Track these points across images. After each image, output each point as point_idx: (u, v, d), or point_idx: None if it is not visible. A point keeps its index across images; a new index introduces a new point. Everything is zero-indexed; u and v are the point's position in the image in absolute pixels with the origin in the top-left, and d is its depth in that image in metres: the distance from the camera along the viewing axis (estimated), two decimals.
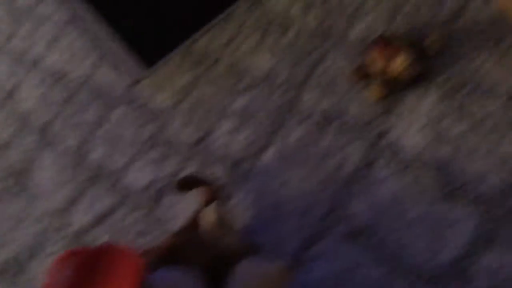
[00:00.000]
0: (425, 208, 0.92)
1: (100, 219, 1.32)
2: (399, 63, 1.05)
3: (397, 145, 1.02)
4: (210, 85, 1.40)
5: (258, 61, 1.35)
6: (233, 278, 0.86)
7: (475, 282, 0.82)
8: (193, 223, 1.08)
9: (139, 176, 1.31)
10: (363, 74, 1.12)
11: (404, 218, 0.93)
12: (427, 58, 1.07)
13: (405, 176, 0.97)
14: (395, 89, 1.08)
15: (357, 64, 1.14)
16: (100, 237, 1.30)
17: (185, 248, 0.92)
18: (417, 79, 1.05)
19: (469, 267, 0.83)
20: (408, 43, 1.09)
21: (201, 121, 1.34)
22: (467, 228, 0.87)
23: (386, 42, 1.09)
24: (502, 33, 1.03)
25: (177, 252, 0.91)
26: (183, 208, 1.20)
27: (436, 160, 0.96)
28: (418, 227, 0.91)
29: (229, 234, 1.02)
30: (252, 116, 1.26)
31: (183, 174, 1.27)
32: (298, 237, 1.01)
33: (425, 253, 0.88)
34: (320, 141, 1.11)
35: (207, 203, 1.08)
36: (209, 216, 1.01)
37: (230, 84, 1.36)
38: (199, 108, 1.37)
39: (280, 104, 1.23)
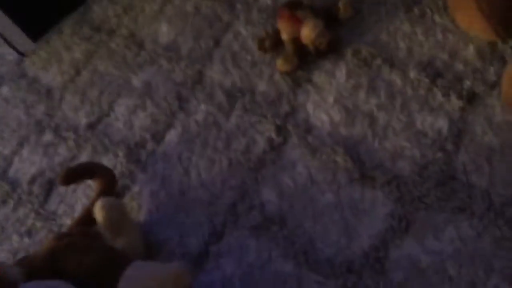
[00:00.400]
0: (338, 193, 0.84)
1: None
2: (308, 32, 0.95)
3: (307, 124, 0.93)
4: (106, 59, 1.25)
5: (159, 32, 1.22)
6: (121, 283, 0.75)
7: (391, 274, 0.76)
8: (85, 221, 0.96)
9: (26, 165, 1.16)
10: (271, 45, 1.02)
11: (316, 205, 0.85)
12: (337, 26, 0.98)
13: (317, 158, 0.89)
14: (305, 60, 0.98)
15: (263, 34, 1.03)
16: None
17: (67, 253, 0.79)
18: (327, 49, 0.96)
19: (384, 258, 0.76)
20: (317, 10, 0.99)
21: (97, 100, 1.19)
22: (381, 214, 0.80)
23: (293, 10, 0.99)
24: None
25: (57, 260, 0.79)
26: (76, 203, 1.07)
27: (348, 140, 0.88)
28: (331, 215, 0.83)
29: (124, 232, 0.90)
30: (153, 94, 1.13)
31: (75, 162, 1.13)
32: (204, 231, 0.91)
33: (338, 244, 0.80)
34: (226, 121, 1.01)
35: (100, 196, 0.95)
36: (99, 212, 0.89)
37: (129, 57, 1.22)
38: (94, 85, 1.22)
39: (183, 80, 1.11)
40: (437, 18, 0.90)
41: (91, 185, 1.06)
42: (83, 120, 1.18)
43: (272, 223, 0.87)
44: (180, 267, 0.80)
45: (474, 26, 0.80)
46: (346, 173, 0.85)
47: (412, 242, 0.76)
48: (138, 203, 1.00)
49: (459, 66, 0.85)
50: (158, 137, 1.06)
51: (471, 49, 0.85)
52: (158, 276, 0.77)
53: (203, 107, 1.05)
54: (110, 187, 1.00)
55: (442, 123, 0.82)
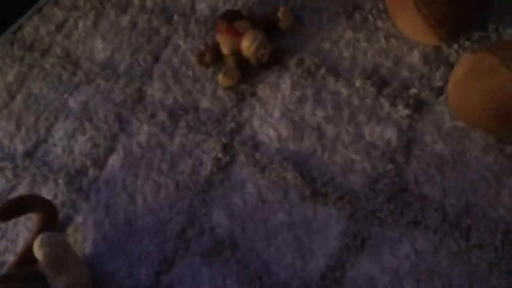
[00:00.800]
0: (290, 212, 0.81)
1: None
2: (248, 45, 0.91)
3: (254, 140, 0.89)
4: (40, 81, 1.18)
5: (94, 49, 1.16)
6: None
7: None
8: (25, 259, 0.89)
9: None
10: (211, 59, 0.97)
11: (268, 226, 0.81)
12: (278, 36, 0.95)
13: (266, 176, 0.85)
14: (248, 73, 0.94)
15: (202, 47, 0.99)
16: None
17: None
18: (269, 61, 0.92)
19: (341, 278, 0.73)
20: (256, 21, 0.95)
21: (33, 126, 1.12)
22: (335, 232, 0.76)
23: (231, 21, 0.94)
24: (356, 0, 0.93)
25: None
26: (18, 237, 1.00)
27: (297, 155, 0.84)
28: (284, 236, 0.79)
29: (67, 268, 0.84)
30: (92, 116, 1.07)
31: (14, 194, 1.06)
32: (153, 260, 0.86)
33: (293, 266, 0.77)
34: (170, 141, 0.96)
35: (39, 231, 0.89)
36: (38, 250, 0.83)
37: (64, 78, 1.15)
38: (30, 109, 1.15)
39: (123, 100, 1.05)
40: (379, 23, 0.88)
41: (32, 217, 0.99)
42: (20, 148, 1.11)
43: (224, 247, 0.82)
44: None
45: (417, 32, 0.78)
46: (297, 190, 0.82)
47: (369, 260, 0.73)
48: (83, 235, 0.94)
49: (405, 73, 0.82)
50: (99, 163, 1.00)
51: (415, 54, 0.83)
52: None
53: (145, 127, 0.99)
54: (51, 220, 0.94)
55: (391, 133, 0.79)
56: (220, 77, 0.93)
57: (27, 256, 0.90)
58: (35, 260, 0.87)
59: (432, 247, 0.70)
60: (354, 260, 0.74)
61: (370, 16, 0.89)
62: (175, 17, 1.09)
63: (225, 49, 0.94)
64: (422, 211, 0.72)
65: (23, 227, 1.01)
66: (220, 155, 0.90)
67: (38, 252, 0.83)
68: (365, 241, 0.74)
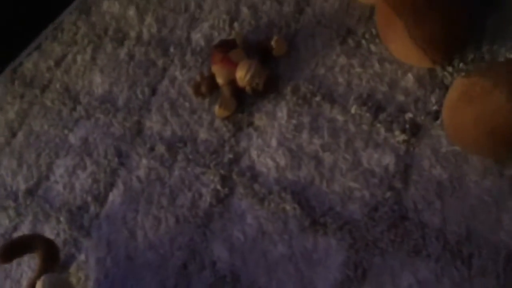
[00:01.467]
0: (290, 244, 0.79)
1: None
2: (242, 74, 0.91)
3: (252, 171, 0.88)
4: (41, 118, 1.19)
5: (93, 83, 1.16)
6: None
7: None
8: None
9: None
10: (207, 90, 0.97)
11: (268, 258, 0.80)
12: (273, 64, 0.94)
13: (265, 207, 0.84)
14: (244, 103, 0.94)
15: (198, 78, 0.98)
16: None
17: None
18: (265, 89, 0.92)
19: None
20: (250, 49, 0.95)
21: (35, 163, 1.13)
22: (336, 263, 0.75)
23: (226, 51, 0.94)
24: (350, 25, 0.92)
25: None
26: (21, 277, 1.00)
27: (295, 185, 0.83)
28: (285, 268, 0.78)
29: None
30: (92, 151, 1.07)
31: (18, 232, 1.06)
32: None
33: None
34: (169, 174, 0.95)
35: (42, 272, 0.88)
36: None
37: (64, 113, 1.16)
38: (31, 146, 1.16)
39: (122, 134, 1.05)
40: (372, 47, 0.87)
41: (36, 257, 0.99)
42: (22, 186, 1.11)
43: (226, 282, 0.81)
44: None
45: (409, 55, 0.77)
46: (297, 221, 0.80)
47: None
48: (85, 273, 0.94)
49: (400, 97, 0.81)
50: (100, 199, 1.00)
51: (410, 78, 0.82)
52: None
53: (144, 161, 0.99)
54: (53, 259, 0.93)
55: (389, 159, 0.78)
56: (216, 108, 0.93)
57: None
58: None
59: (434, 276, 0.68)
60: None
61: (363, 41, 0.89)
62: (171, 49, 1.10)
63: (220, 80, 0.94)
64: (422, 239, 0.71)
65: (27, 267, 1.01)
66: (219, 187, 0.89)
67: None
68: (367, 271, 0.73)
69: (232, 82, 0.93)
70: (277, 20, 1.00)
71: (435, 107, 0.78)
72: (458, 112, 0.66)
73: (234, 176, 0.89)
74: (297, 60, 0.94)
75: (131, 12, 1.21)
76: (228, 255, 0.83)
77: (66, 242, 0.99)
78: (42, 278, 0.85)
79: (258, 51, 0.94)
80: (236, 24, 1.04)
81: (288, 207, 0.82)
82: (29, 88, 1.25)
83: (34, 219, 1.05)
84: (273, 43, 0.92)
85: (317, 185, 0.82)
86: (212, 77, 0.96)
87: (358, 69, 0.87)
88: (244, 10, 1.05)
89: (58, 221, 1.02)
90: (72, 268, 0.95)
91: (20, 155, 1.16)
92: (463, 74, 0.74)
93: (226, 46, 0.96)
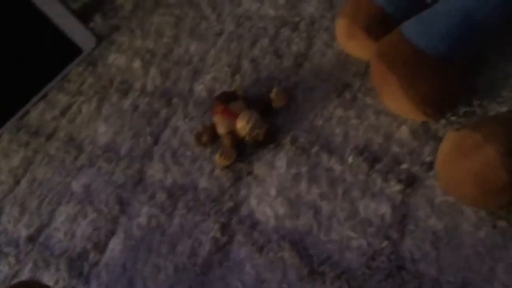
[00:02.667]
0: None
1: None
2: (243, 125, 0.94)
3: (251, 220, 0.89)
4: (45, 166, 1.21)
5: (97, 133, 1.19)
6: None
7: None
8: None
9: None
10: (208, 140, 1.00)
11: None
12: (272, 115, 0.97)
13: (263, 255, 0.85)
14: (244, 153, 0.97)
15: (200, 128, 1.02)
16: None
17: None
18: (264, 140, 0.94)
19: None
20: (251, 101, 0.98)
21: (37, 210, 1.14)
22: None
23: (227, 102, 0.98)
24: (347, 79, 0.96)
25: None
26: None
27: (293, 233, 0.85)
28: None
29: None
30: (94, 199, 1.08)
31: (17, 279, 1.06)
32: None
33: None
34: (170, 222, 0.96)
35: None
36: None
37: (67, 162, 1.18)
38: (34, 194, 1.17)
39: (123, 182, 1.07)
40: (368, 100, 0.90)
41: None
42: (23, 233, 1.12)
43: None
44: None
45: (403, 109, 0.80)
46: (295, 270, 0.81)
47: None
48: None
49: (395, 148, 0.84)
50: (100, 246, 1.01)
51: (405, 130, 0.84)
52: None
53: (145, 209, 1.01)
54: None
55: (385, 209, 0.80)
56: (217, 157, 0.95)
57: None
58: None
59: None
60: None
61: (359, 94, 0.92)
62: (175, 100, 1.13)
63: (221, 130, 0.97)
64: None
65: None
66: (218, 235, 0.90)
67: None
68: None
69: (232, 133, 0.96)
70: (277, 73, 1.04)
71: (428, 158, 0.80)
72: (451, 163, 0.68)
73: (234, 224, 0.90)
74: (296, 111, 0.97)
75: (136, 64, 1.26)
76: None
77: None
78: None
79: (258, 103, 0.97)
80: (237, 77, 1.08)
81: (286, 256, 0.83)
82: (34, 137, 1.28)
83: (34, 266, 1.06)
84: (272, 95, 0.96)
85: (315, 234, 0.83)
86: (213, 127, 0.99)
87: (355, 121, 0.90)
88: (245, 64, 1.09)
89: (58, 269, 1.02)
90: None
91: (23, 203, 1.18)
92: (455, 127, 0.76)
93: (227, 98, 0.99)
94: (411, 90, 0.76)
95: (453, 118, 0.81)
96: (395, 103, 0.80)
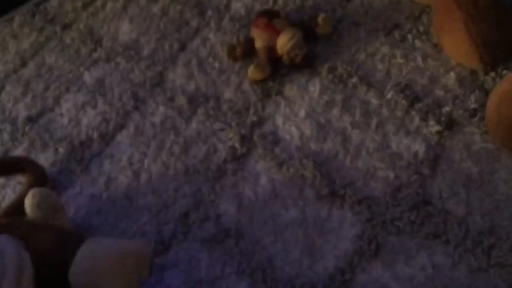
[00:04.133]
0: (303, 210, 0.78)
1: None
2: (284, 42, 0.90)
3: (275, 136, 0.87)
4: (57, 53, 1.15)
5: (120, 31, 1.14)
6: (78, 258, 0.65)
7: None
8: (15, 209, 0.84)
9: None
10: (242, 53, 0.96)
11: (278, 220, 0.78)
12: (314, 40, 0.95)
13: (283, 171, 0.82)
14: (278, 72, 0.93)
15: (235, 40, 0.98)
16: None
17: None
18: (302, 63, 0.91)
19: (350, 281, 0.70)
20: (294, 23, 0.95)
21: (41, 94, 1.09)
22: (349, 235, 0.73)
23: (269, 19, 0.94)
24: (397, 20, 0.93)
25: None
26: (4, 200, 0.95)
27: (318, 155, 0.82)
28: (293, 232, 0.76)
29: (57, 223, 0.79)
30: (107, 92, 1.04)
31: (8, 155, 1.01)
32: (148, 240, 0.81)
33: (300, 264, 0.73)
34: (186, 126, 0.93)
35: (29, 188, 0.84)
36: (30, 200, 0.78)
37: (83, 53, 1.13)
38: (41, 78, 1.12)
39: (141, 81, 1.03)
40: (417, 43, 0.88)
41: (22, 182, 0.94)
42: (22, 113, 1.07)
43: (228, 236, 0.78)
44: (140, 243, 0.74)
45: (460, 49, 0.78)
46: (314, 189, 0.79)
47: (381, 267, 0.70)
48: (76, 205, 0.89)
49: (439, 92, 0.82)
50: (107, 137, 0.96)
51: (452, 76, 0.83)
52: (118, 250, 0.67)
53: (161, 109, 0.97)
54: (40, 183, 0.89)
55: (419, 147, 0.78)
56: (250, 69, 0.92)
57: (13, 212, 0.84)
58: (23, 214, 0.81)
59: (451, 261, 0.67)
60: (366, 264, 0.70)
61: (409, 36, 0.90)
62: (209, 12, 1.09)
63: (259, 43, 0.93)
64: (444, 224, 0.70)
65: (11, 191, 0.95)
66: (236, 145, 0.87)
67: (29, 202, 0.78)
68: (380, 247, 0.71)
69: (271, 48, 0.92)
70: (323, 4, 1.01)
71: (473, 106, 0.79)
72: (507, 102, 0.67)
73: (255, 138, 0.87)
74: (338, 43, 0.94)
75: None
76: (235, 211, 0.81)
77: (61, 172, 0.94)
78: (33, 190, 0.80)
79: (302, 25, 0.94)
80: (280, 1, 1.04)
81: (307, 174, 0.80)
82: (49, 24, 1.22)
83: (30, 147, 1.01)
84: (319, 20, 0.93)
85: (341, 160, 0.81)
86: (249, 42, 0.96)
87: (400, 60, 0.88)
88: None
89: (56, 152, 0.98)
90: (63, 198, 0.91)
91: (27, 84, 1.12)
92: None
93: (270, 15, 0.96)
94: (474, 30, 0.74)
95: (504, 72, 0.80)
96: (454, 42, 0.78)
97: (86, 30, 1.17)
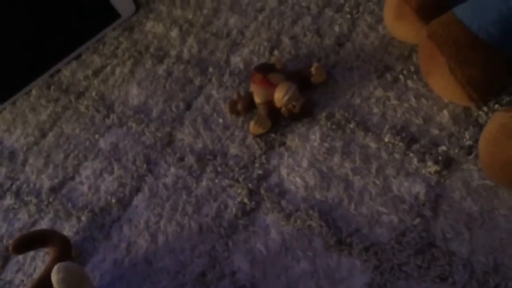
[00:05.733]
0: (314, 261, 0.80)
1: None
2: (281, 95, 0.94)
3: (280, 188, 0.90)
4: (73, 122, 1.21)
5: (129, 95, 1.19)
6: None
7: None
8: (43, 284, 0.88)
9: None
10: (243, 108, 1.00)
11: (290, 273, 0.80)
12: (310, 90, 0.98)
13: (291, 223, 0.85)
14: (278, 123, 0.97)
15: (235, 96, 1.02)
16: None
17: None
18: (301, 113, 0.95)
19: None
20: (290, 74, 0.99)
21: (62, 163, 1.15)
22: (359, 284, 0.75)
23: (266, 74, 0.98)
24: (388, 62, 0.96)
25: None
26: (34, 271, 1.00)
27: (323, 204, 0.85)
28: (306, 284, 0.78)
29: None
30: (121, 157, 1.09)
31: (35, 228, 1.06)
32: None
33: None
34: (197, 184, 0.97)
35: (55, 263, 0.88)
36: (56, 275, 0.82)
37: (97, 120, 1.19)
38: (60, 148, 1.18)
39: (152, 143, 1.08)
40: (410, 83, 0.91)
41: (50, 253, 0.99)
42: (46, 184, 1.13)
43: None
44: None
45: (447, 91, 0.80)
46: (322, 239, 0.81)
47: None
48: (100, 273, 0.94)
49: (434, 131, 0.84)
50: (124, 202, 1.01)
51: (445, 114, 0.84)
52: None
53: (172, 170, 1.01)
54: (67, 255, 0.94)
55: (419, 188, 0.80)
56: (251, 124, 0.95)
57: (41, 284, 0.89)
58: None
59: None
60: None
61: (401, 77, 0.92)
62: (210, 69, 1.13)
63: (258, 99, 0.97)
64: (449, 266, 0.72)
65: (41, 262, 1.01)
66: (245, 200, 0.90)
67: (55, 277, 0.83)
68: None
69: (269, 103, 0.96)
70: (317, 51, 1.04)
71: (469, 142, 0.80)
72: (495, 144, 0.68)
73: (262, 191, 0.90)
74: (334, 89, 0.97)
75: (174, 33, 1.26)
76: (249, 266, 0.84)
77: (84, 239, 0.99)
78: (58, 265, 0.85)
79: (297, 76, 0.98)
80: (276, 52, 1.08)
81: (314, 225, 0.83)
82: (64, 94, 1.29)
83: (55, 217, 1.06)
84: (313, 69, 0.96)
85: (345, 207, 0.83)
86: (249, 96, 1.00)
87: (394, 102, 0.90)
88: (285, 40, 1.10)
89: (79, 220, 1.03)
90: (87, 267, 0.95)
91: (48, 155, 1.18)
92: (502, 107, 0.76)
93: (266, 69, 1.00)
94: (459, 72, 0.76)
95: (496, 106, 0.81)
96: (441, 85, 0.80)
97: (98, 96, 1.23)
